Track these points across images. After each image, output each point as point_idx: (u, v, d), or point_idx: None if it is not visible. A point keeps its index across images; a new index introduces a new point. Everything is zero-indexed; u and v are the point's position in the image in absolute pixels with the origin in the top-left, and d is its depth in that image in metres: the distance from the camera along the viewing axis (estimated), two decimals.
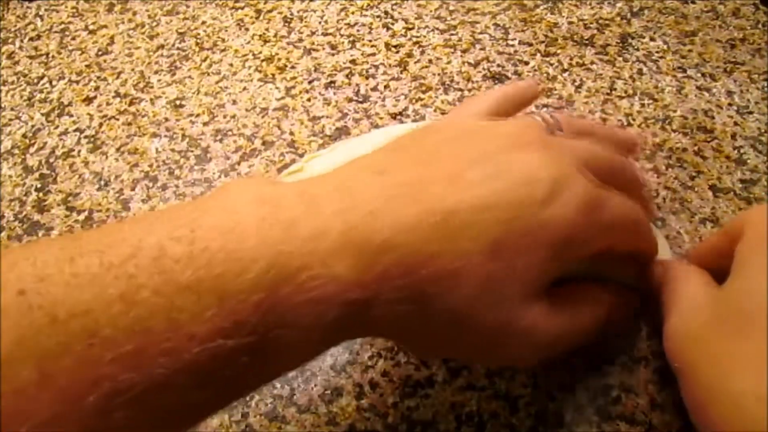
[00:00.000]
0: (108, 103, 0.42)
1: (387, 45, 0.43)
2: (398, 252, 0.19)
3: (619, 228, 0.23)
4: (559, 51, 0.41)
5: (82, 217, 0.36)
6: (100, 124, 0.41)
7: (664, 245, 0.30)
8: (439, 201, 0.20)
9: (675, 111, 0.37)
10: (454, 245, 0.19)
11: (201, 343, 0.15)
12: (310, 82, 0.41)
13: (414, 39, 0.43)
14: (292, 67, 0.43)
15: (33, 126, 0.41)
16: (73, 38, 0.48)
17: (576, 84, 0.39)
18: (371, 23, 0.45)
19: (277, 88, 0.41)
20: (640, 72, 0.39)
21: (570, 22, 0.43)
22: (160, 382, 0.15)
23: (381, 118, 0.39)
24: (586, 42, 0.42)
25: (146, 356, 0.15)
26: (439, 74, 0.40)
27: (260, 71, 0.43)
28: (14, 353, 0.14)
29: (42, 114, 0.42)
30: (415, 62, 0.42)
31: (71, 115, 0.42)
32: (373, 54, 0.43)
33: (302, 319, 0.17)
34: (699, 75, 0.39)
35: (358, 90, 0.40)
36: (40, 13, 0.51)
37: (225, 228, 0.17)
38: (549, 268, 0.21)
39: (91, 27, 0.49)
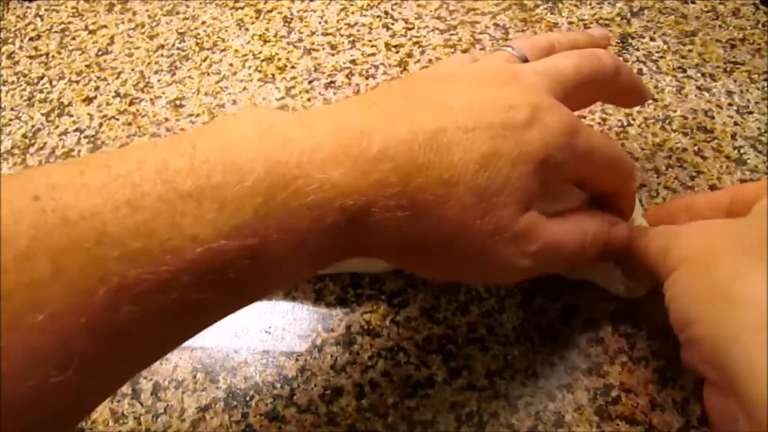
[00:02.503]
0: (108, 103, 0.42)
1: (387, 45, 0.43)
2: (393, 162, 0.20)
3: (597, 157, 0.24)
4: None
5: None
6: (100, 124, 0.41)
7: None
8: (429, 122, 0.21)
9: (675, 111, 0.37)
10: (447, 156, 0.21)
11: (203, 244, 0.17)
12: (310, 82, 0.41)
13: (414, 39, 0.43)
14: (292, 67, 0.43)
15: (33, 126, 0.41)
16: (73, 38, 0.48)
17: None
18: (371, 23, 0.45)
19: (277, 88, 0.41)
20: (640, 72, 0.39)
21: (570, 22, 0.43)
22: (164, 279, 0.16)
23: None
24: None
25: (151, 254, 0.16)
26: None
27: (260, 71, 0.43)
28: (30, 249, 0.15)
29: (42, 114, 0.42)
30: (415, 62, 0.42)
31: (71, 115, 0.42)
32: (373, 54, 0.43)
33: (300, 223, 0.18)
34: (699, 75, 0.39)
35: (358, 90, 0.40)
36: (40, 13, 0.51)
37: (224, 144, 0.18)
38: (533, 184, 0.22)
39: (91, 27, 0.49)
